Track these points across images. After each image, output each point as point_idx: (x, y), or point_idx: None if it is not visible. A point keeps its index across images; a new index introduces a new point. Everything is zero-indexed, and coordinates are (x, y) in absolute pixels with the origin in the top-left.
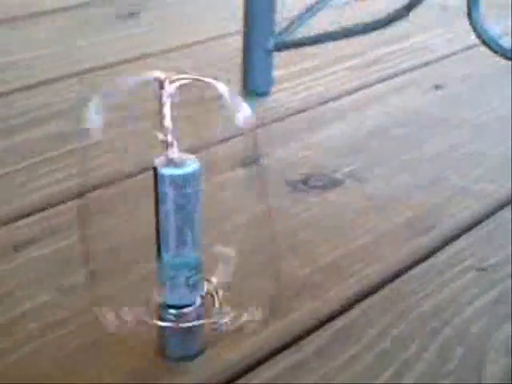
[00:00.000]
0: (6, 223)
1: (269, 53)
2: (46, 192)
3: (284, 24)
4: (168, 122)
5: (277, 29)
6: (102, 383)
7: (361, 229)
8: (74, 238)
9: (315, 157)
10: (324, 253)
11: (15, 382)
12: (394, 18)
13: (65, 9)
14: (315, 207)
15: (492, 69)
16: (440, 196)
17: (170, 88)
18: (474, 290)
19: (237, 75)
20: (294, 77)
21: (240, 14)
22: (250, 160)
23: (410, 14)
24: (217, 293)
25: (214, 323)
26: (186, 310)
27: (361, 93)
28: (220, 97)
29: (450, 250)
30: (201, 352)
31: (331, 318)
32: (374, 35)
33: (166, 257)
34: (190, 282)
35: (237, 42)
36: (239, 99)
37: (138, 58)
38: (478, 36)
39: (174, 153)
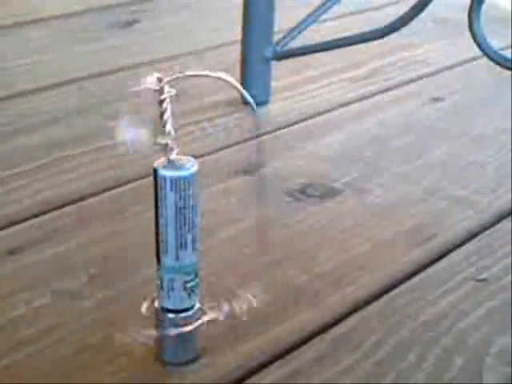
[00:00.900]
0: (1, 228)
1: (267, 62)
2: (41, 197)
3: (282, 33)
4: (169, 127)
5: (275, 38)
6: None
7: (359, 238)
8: (70, 243)
9: (314, 166)
10: (322, 261)
11: None
12: (392, 28)
13: (62, 17)
14: (313, 216)
15: (490, 81)
16: (439, 206)
17: (169, 91)
18: (472, 300)
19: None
20: (293, 87)
21: (239, 23)
22: (249, 169)
23: (409, 26)
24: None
25: (213, 320)
26: (184, 315)
27: (359, 104)
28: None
29: (449, 260)
30: (198, 358)
31: (329, 326)
32: (373, 47)
33: (165, 260)
34: (189, 286)
35: (235, 51)
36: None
37: (134, 67)
38: (480, 48)
39: (174, 155)
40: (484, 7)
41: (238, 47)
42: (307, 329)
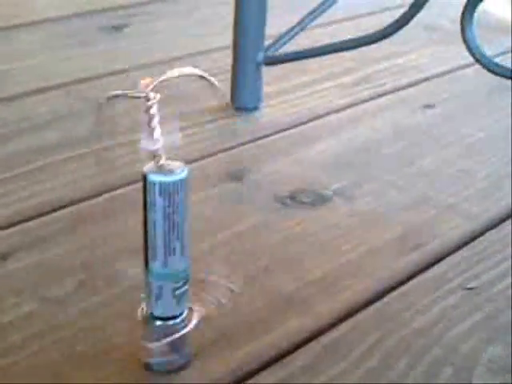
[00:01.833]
0: None
1: (258, 67)
2: (28, 203)
3: (273, 39)
4: (157, 134)
5: (266, 43)
6: None
7: (349, 245)
8: (59, 248)
9: (304, 173)
10: (312, 268)
11: None
12: (383, 34)
13: (50, 20)
14: (303, 223)
15: (482, 88)
16: (429, 214)
17: (154, 97)
18: (462, 309)
19: (226, 90)
20: (284, 93)
21: (230, 28)
22: (239, 174)
23: (401, 33)
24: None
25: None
26: (172, 322)
27: (350, 110)
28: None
29: (439, 268)
30: (188, 364)
31: (319, 333)
32: (365, 53)
33: (154, 267)
34: (177, 293)
35: (226, 56)
36: None
37: (124, 71)
38: (473, 55)
39: (164, 160)
40: (476, 14)
41: (229, 53)
42: (297, 336)
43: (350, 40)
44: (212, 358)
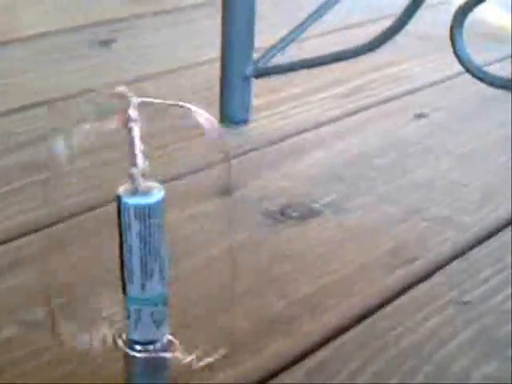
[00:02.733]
0: None
1: (247, 79)
2: (9, 223)
3: (263, 50)
4: (139, 159)
5: (256, 55)
6: None
7: (339, 261)
8: (34, 272)
9: (293, 187)
10: (299, 286)
11: None
12: (374, 44)
13: (36, 36)
14: (292, 238)
15: (474, 98)
16: (421, 227)
17: (134, 112)
18: (454, 324)
19: (214, 103)
20: (274, 105)
21: (217, 41)
22: (225, 190)
23: (393, 42)
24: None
25: (182, 359)
26: (152, 347)
27: (342, 122)
28: (195, 124)
29: (431, 282)
30: None
31: (305, 355)
32: (357, 63)
33: (131, 290)
34: (156, 318)
35: (214, 69)
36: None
37: (111, 87)
38: (463, 64)
39: (140, 181)
40: (468, 23)
41: (217, 65)
42: (283, 358)
43: (342, 51)
44: (194, 381)
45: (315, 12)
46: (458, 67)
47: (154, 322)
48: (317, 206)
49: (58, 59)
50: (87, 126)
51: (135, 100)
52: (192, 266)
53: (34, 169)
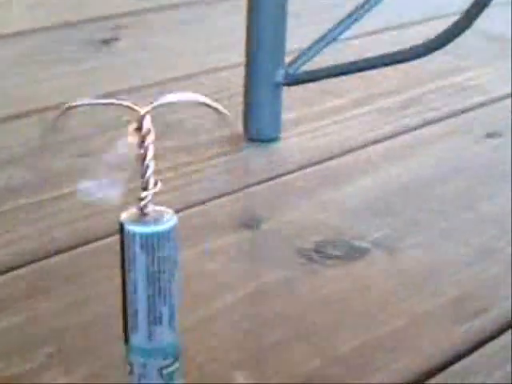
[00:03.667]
0: None
1: (278, 88)
2: None
3: (296, 54)
4: (151, 181)
5: (287, 59)
6: None
7: (389, 311)
8: (24, 314)
9: (333, 219)
10: (342, 340)
11: None
12: (432, 46)
13: (24, 33)
14: (332, 283)
15: None
16: (492, 271)
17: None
18: None
19: (236, 117)
20: (310, 120)
21: (241, 42)
22: (252, 221)
23: (458, 45)
24: None
25: None
26: None
27: (394, 140)
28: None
29: (503, 340)
30: None
31: None
32: (410, 70)
33: (135, 340)
34: (166, 373)
35: (236, 76)
36: None
37: (111, 95)
38: None
39: (147, 206)
40: None
41: (240, 71)
42: None
43: (391, 54)
44: None
45: (358, 8)
46: None
47: (162, 377)
48: (362, 243)
49: (49, 61)
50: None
51: (147, 114)
52: (211, 312)
53: (18, 192)
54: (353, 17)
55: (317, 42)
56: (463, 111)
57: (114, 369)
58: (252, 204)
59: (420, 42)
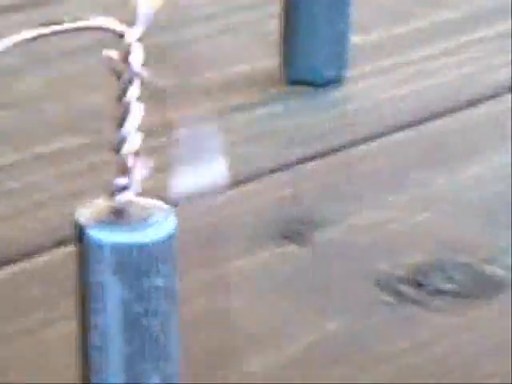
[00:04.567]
0: None
1: None
2: None
3: None
4: (132, 123)
5: None
6: None
7: None
8: None
9: (441, 226)
10: None
11: None
12: None
13: None
14: (443, 339)
15: None
16: None
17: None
18: None
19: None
20: (392, 52)
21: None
22: (303, 228)
23: None
24: None
25: None
26: None
27: None
28: None
29: None
30: None
31: None
32: None
33: None
34: None
35: None
36: None
37: None
38: None
39: (127, 197)
40: None
41: None
42: None
43: None
44: None
45: None
46: None
47: None
48: (495, 270)
49: None
50: None
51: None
52: (241, 375)
53: None
54: None
55: None
56: None
57: None
58: (304, 195)
59: None
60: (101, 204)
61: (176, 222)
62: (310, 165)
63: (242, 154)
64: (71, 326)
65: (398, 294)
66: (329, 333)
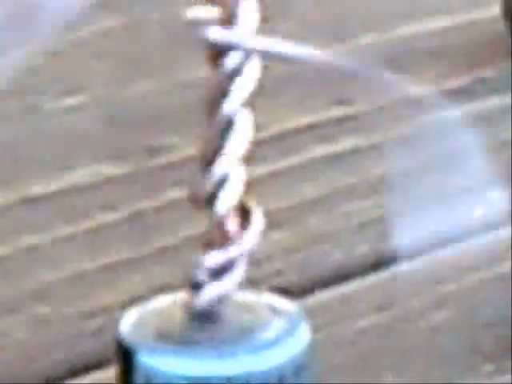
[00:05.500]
0: None
1: None
2: None
3: None
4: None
5: None
6: None
7: None
8: None
9: None
10: None
11: None
12: None
13: None
14: None
15: None
16: None
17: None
18: None
19: None
20: None
21: None
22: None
23: None
24: None
25: None
26: None
27: None
28: None
29: None
30: None
31: None
32: None
33: None
34: None
35: None
36: None
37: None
38: None
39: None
40: None
41: None
42: None
43: None
44: None
45: None
46: None
47: None
48: None
49: None
50: None
51: None
52: None
53: None
54: None
55: None
56: None
57: None
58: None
59: None
60: (166, 306)
61: (309, 337)
62: None
63: None
64: None
65: None
66: None
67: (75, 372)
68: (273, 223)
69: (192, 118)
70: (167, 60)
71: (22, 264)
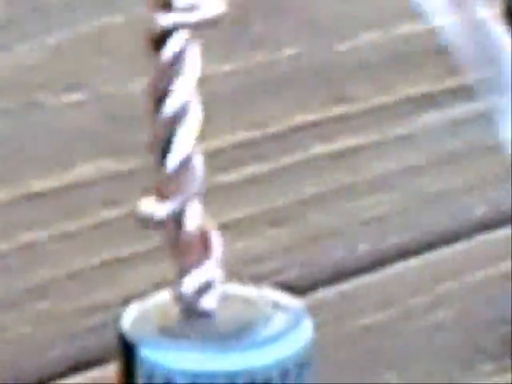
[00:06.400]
0: None
1: None
2: None
3: None
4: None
5: None
6: None
7: None
8: None
9: None
10: None
11: None
12: None
13: None
14: None
15: None
16: None
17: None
18: None
19: None
20: None
21: None
22: None
23: None
24: None
25: None
26: None
27: None
28: None
29: None
30: None
31: None
32: None
33: None
34: None
35: None
36: None
37: None
38: None
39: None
40: None
41: None
42: None
43: None
44: None
45: None
46: None
47: None
48: None
49: None
50: None
51: None
52: None
53: None
54: None
55: None
56: None
57: None
58: None
59: None
60: (166, 301)
61: (311, 333)
62: None
63: None
64: None
65: None
66: None
67: (75, 368)
68: (274, 221)
69: None
70: None
71: (22, 260)
